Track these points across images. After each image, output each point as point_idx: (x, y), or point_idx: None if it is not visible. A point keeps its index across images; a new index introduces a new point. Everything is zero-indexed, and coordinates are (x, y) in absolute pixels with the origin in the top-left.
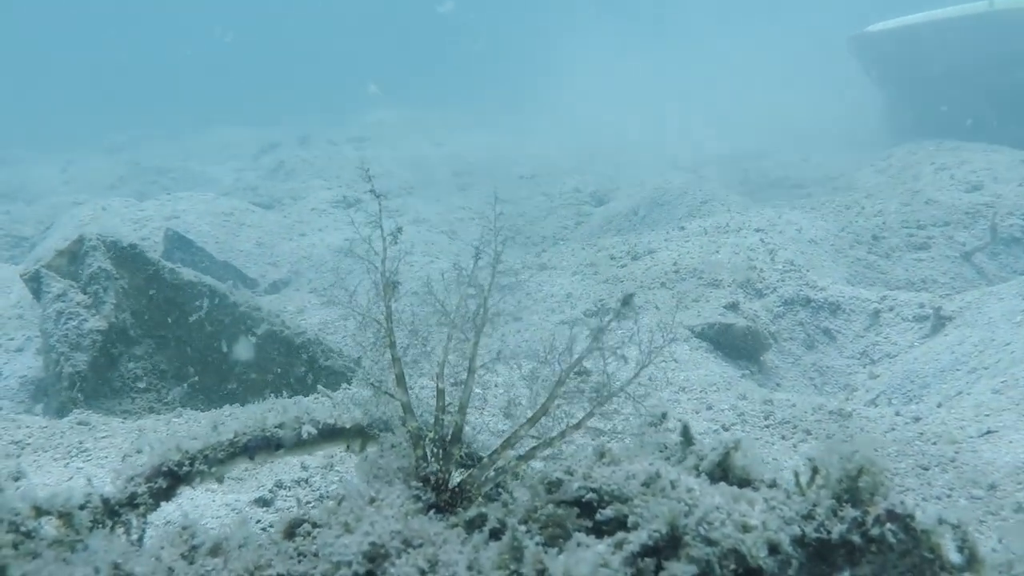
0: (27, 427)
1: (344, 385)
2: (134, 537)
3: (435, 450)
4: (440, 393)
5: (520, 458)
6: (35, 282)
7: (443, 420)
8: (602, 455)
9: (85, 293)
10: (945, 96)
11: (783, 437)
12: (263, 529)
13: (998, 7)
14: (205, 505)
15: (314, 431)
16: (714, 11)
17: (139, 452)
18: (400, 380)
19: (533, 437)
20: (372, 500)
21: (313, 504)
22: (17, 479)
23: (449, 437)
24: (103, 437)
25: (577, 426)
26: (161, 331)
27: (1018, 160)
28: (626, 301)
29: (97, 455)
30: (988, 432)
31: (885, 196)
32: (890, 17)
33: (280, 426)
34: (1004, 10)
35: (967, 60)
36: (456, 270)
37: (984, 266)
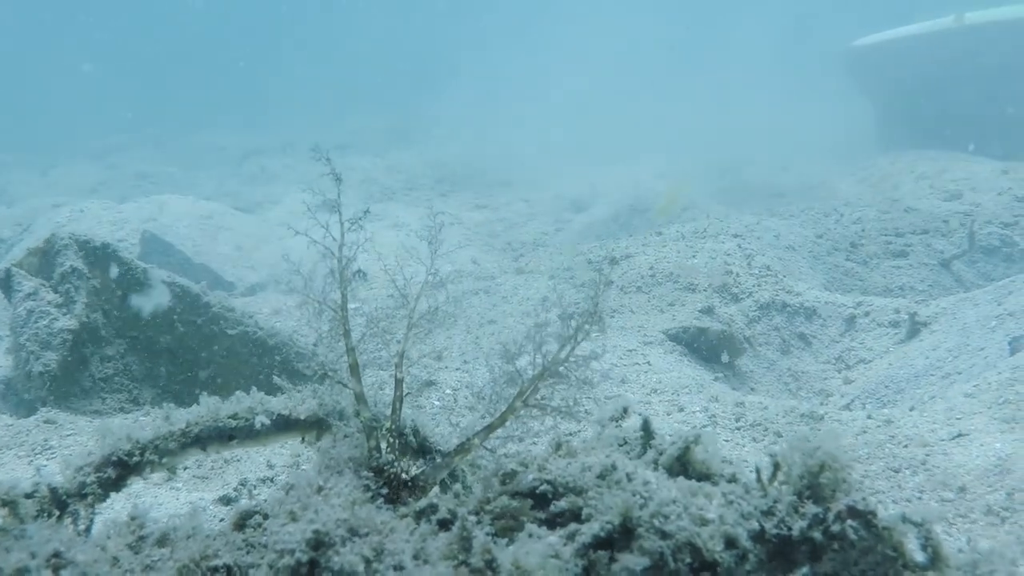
0: None
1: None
2: (81, 527)
3: (391, 440)
4: (398, 383)
5: (462, 446)
6: (6, 281)
7: (399, 410)
8: (559, 447)
9: (56, 292)
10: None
11: (754, 439)
12: None
13: (968, 22)
14: (168, 503)
15: (267, 422)
16: (699, 20)
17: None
18: (354, 370)
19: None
20: (320, 489)
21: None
22: None
23: (407, 429)
24: (68, 435)
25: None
26: (132, 331)
27: (998, 171)
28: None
29: (62, 453)
30: (959, 435)
31: (864, 204)
32: (877, 31)
33: (233, 416)
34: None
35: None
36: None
37: (962, 274)
